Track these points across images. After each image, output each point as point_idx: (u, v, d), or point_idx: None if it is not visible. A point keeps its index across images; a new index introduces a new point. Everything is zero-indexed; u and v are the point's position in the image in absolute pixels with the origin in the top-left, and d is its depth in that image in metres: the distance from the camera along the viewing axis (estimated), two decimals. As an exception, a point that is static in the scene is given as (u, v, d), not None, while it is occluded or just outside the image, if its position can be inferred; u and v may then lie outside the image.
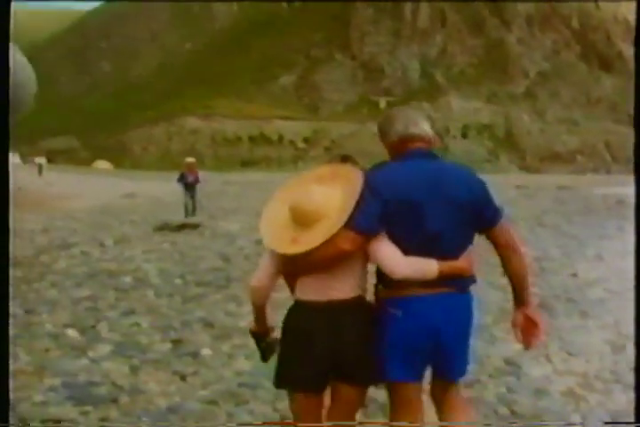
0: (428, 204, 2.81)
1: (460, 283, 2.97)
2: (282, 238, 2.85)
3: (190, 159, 22.48)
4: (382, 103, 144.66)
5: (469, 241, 3.05)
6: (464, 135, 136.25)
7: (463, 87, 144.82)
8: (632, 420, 3.35)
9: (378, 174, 2.88)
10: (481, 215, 2.98)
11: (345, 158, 3.12)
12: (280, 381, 3.00)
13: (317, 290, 2.90)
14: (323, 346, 2.85)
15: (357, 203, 2.75)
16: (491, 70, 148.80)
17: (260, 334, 3.14)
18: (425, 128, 3.03)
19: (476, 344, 6.12)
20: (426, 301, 2.84)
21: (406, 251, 2.78)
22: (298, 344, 2.90)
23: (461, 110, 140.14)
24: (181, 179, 20.90)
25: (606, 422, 4.34)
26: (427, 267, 2.83)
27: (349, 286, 2.91)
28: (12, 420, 3.66)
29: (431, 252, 2.82)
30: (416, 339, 2.85)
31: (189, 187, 20.75)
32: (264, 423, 4.32)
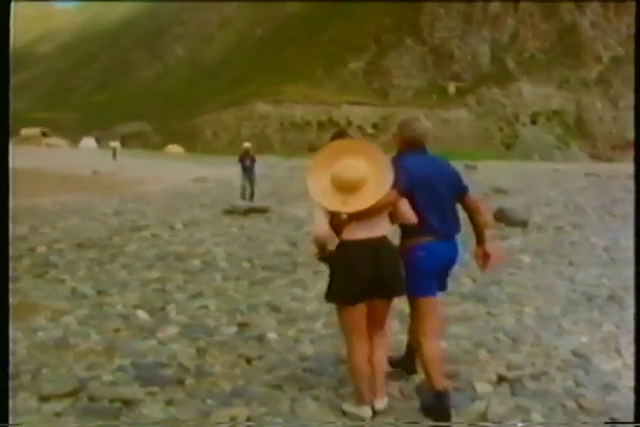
0: (436, 180, 4.30)
1: (450, 234, 4.37)
2: (333, 201, 3.97)
3: (247, 144, 22.95)
4: (452, 89, 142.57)
5: (455, 204, 4.48)
6: (534, 122, 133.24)
7: (534, 73, 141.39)
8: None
9: (406, 160, 4.24)
10: (459, 187, 4.50)
11: (342, 133, 4.43)
12: (331, 297, 4.17)
13: (363, 231, 4.03)
14: (367, 270, 3.99)
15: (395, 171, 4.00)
16: (563, 55, 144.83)
17: (324, 256, 4.23)
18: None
19: (543, 335, 6.04)
20: (437, 244, 4.26)
21: (423, 208, 4.19)
22: (347, 271, 4.02)
23: (532, 96, 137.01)
24: (241, 162, 21.45)
25: (606, 422, 4.21)
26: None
27: (383, 228, 4.12)
28: (11, 420, 3.72)
29: (437, 209, 4.27)
30: (435, 268, 4.29)
31: (247, 171, 21.20)
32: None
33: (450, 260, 4.41)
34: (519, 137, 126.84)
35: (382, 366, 4.33)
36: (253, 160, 21.62)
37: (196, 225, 14.23)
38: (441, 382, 4.21)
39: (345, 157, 4.00)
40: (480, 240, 4.59)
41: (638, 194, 3.82)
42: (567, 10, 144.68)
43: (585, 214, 17.15)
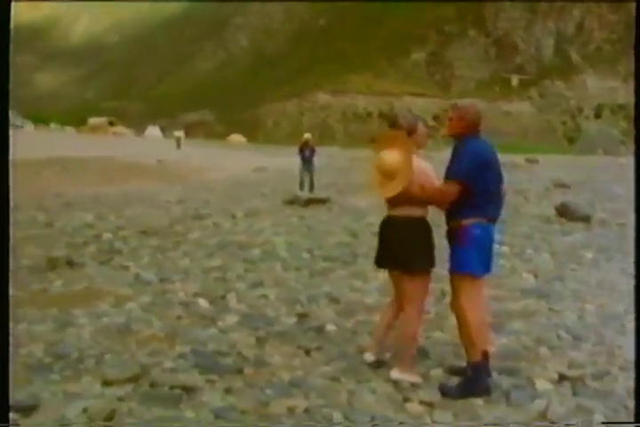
0: (498, 165, 4.61)
1: (497, 218, 4.62)
2: (374, 184, 4.59)
3: (307, 135, 22.88)
4: (515, 81, 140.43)
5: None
6: (597, 115, 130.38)
7: (599, 65, 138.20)
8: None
9: (479, 144, 4.52)
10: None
11: (393, 122, 4.77)
12: (376, 262, 4.91)
13: (401, 209, 4.61)
14: (384, 242, 4.75)
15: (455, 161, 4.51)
16: (630, 47, 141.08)
17: None
18: None
19: (606, 334, 5.90)
20: (489, 226, 4.52)
21: (484, 191, 4.44)
22: (386, 240, 4.76)
23: (596, 89, 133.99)
24: (300, 153, 21.45)
25: (605, 422, 4.08)
26: None
27: (421, 209, 4.62)
28: (11, 420, 3.76)
29: (496, 193, 4.58)
30: (487, 246, 4.56)
31: (306, 162, 21.26)
32: None
33: (493, 242, 4.67)
34: (582, 131, 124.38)
35: (409, 340, 4.66)
36: (313, 151, 21.61)
37: (257, 214, 14.33)
38: (478, 354, 4.47)
39: (384, 149, 4.55)
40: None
41: (638, 189, 3.74)
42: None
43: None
